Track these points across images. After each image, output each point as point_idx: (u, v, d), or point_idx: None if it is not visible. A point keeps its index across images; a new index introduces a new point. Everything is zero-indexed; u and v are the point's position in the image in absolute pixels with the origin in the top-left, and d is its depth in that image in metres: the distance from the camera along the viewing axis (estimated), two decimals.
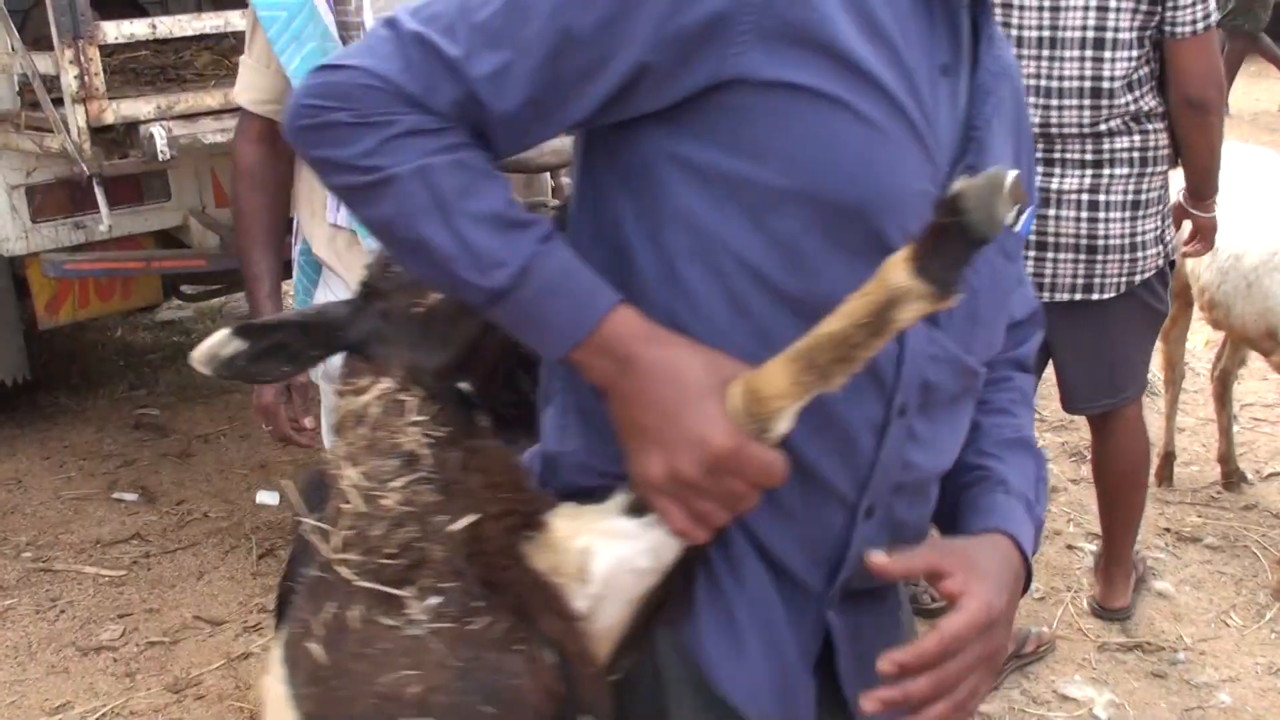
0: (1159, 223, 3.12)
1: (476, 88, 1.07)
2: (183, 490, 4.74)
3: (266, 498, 4.64)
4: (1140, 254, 3.08)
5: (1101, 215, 3.03)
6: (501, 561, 1.13)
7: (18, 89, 4.16)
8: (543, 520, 1.16)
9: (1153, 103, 3.02)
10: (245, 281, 2.58)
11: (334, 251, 2.57)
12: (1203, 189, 3.19)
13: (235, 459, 5.02)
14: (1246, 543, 4.05)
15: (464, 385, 1.25)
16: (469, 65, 1.06)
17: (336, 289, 2.61)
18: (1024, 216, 1.23)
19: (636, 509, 1.12)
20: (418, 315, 1.23)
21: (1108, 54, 2.92)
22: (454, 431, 1.19)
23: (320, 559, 1.18)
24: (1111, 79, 2.93)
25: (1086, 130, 2.98)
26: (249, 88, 2.51)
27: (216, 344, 1.23)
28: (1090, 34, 2.93)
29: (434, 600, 1.12)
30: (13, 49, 3.87)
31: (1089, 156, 3.00)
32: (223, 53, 4.52)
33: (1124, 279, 3.07)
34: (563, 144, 2.66)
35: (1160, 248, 3.14)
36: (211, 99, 3.74)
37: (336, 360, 2.59)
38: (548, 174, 2.83)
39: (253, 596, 3.96)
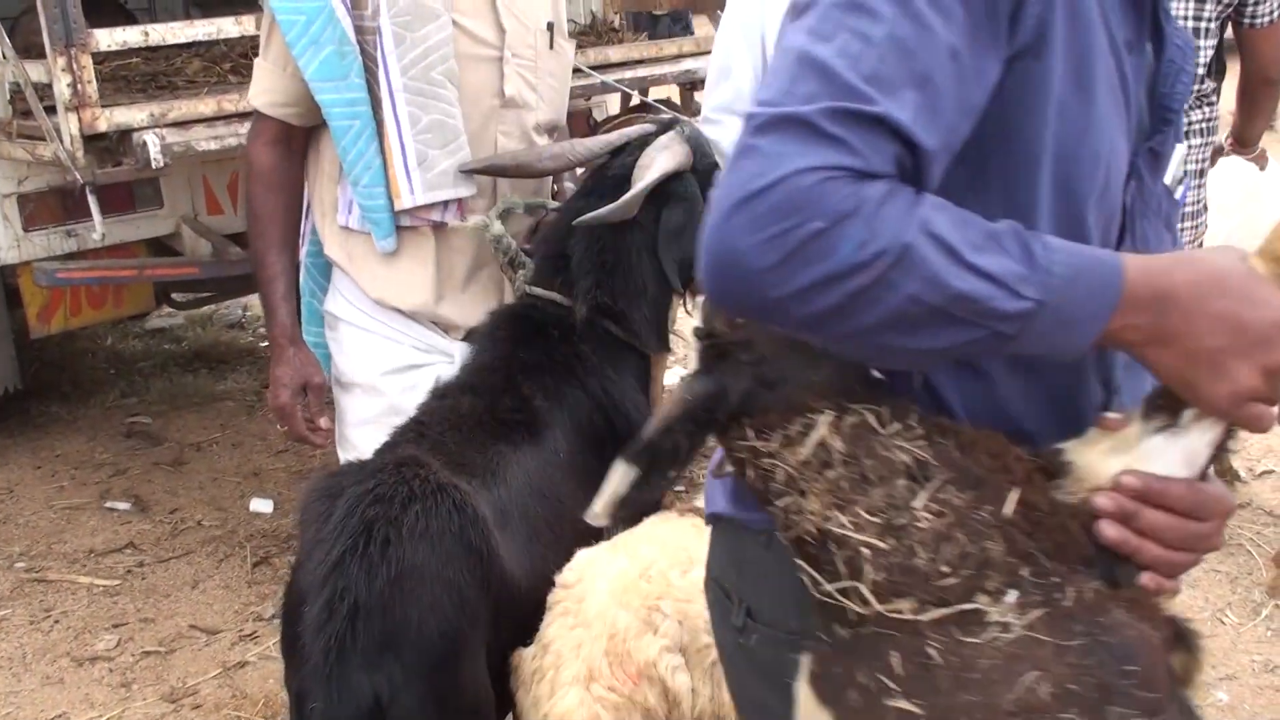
0: (1206, 191, 3.73)
1: (910, 133, 1.00)
2: (176, 499, 4.72)
3: (260, 505, 4.62)
4: (1202, 219, 3.56)
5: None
6: (1058, 521, 1.08)
7: (9, 97, 4.13)
8: (1064, 464, 1.12)
9: (1211, 83, 3.63)
10: (260, 284, 2.59)
11: (346, 254, 2.59)
12: (1252, 141, 3.96)
13: (228, 467, 4.99)
14: (1240, 541, 4.07)
15: (877, 374, 1.15)
16: (895, 117, 1.00)
17: (349, 292, 2.62)
18: (1181, 186, 1.26)
19: (1161, 424, 1.09)
20: (788, 339, 1.12)
21: (1198, 42, 3.48)
22: (923, 423, 1.11)
23: (845, 622, 1.08)
24: (1199, 65, 3.48)
25: None
26: (266, 90, 2.52)
27: (618, 482, 1.15)
28: (1189, 24, 3.49)
29: (1011, 595, 1.05)
30: (4, 56, 3.85)
31: None
32: (213, 59, 4.50)
33: (1192, 246, 3.42)
34: (562, 150, 2.67)
35: (1205, 215, 3.74)
36: (204, 106, 3.72)
37: (344, 363, 2.58)
38: (549, 178, 2.84)
39: (248, 605, 3.94)
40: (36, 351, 5.54)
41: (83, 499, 4.73)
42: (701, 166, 2.68)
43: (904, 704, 1.02)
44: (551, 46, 2.70)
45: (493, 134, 2.61)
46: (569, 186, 2.90)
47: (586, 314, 2.47)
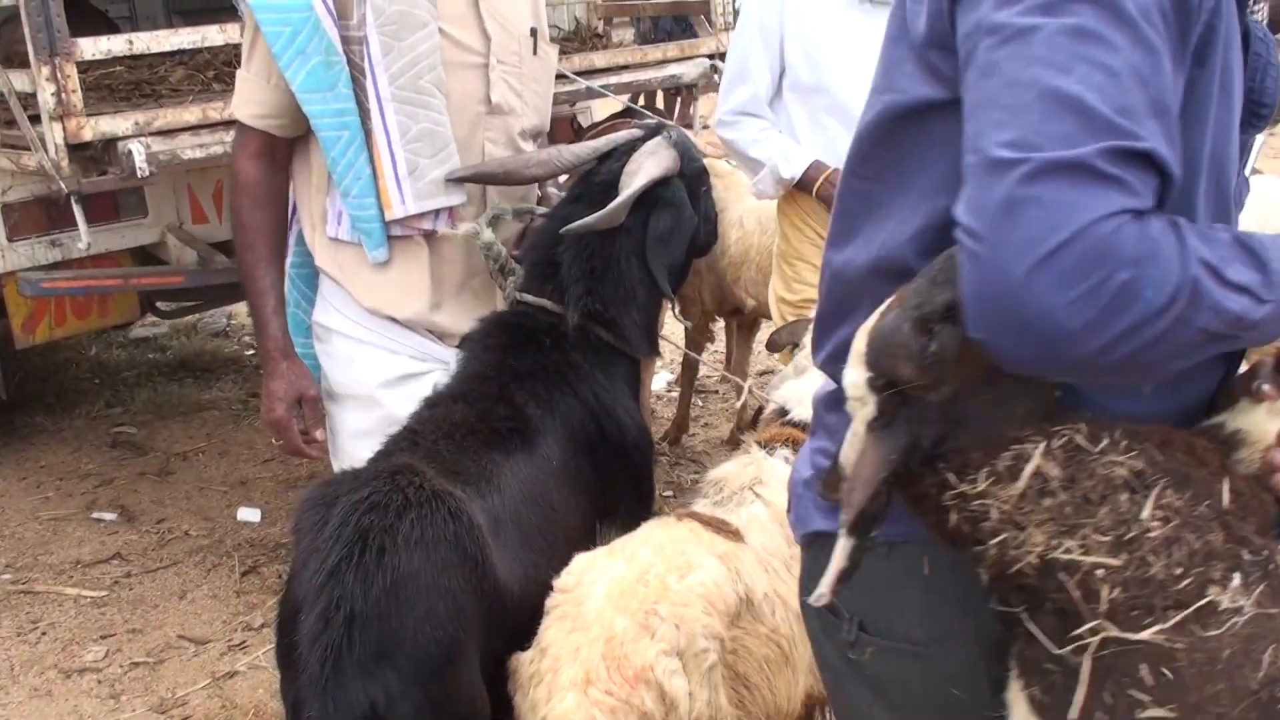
0: None
1: (1165, 163, 1.02)
2: (162, 509, 4.70)
3: (247, 515, 4.60)
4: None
5: None
6: (1259, 497, 1.13)
7: None
8: (1234, 437, 1.17)
9: None
10: (250, 298, 2.57)
11: (337, 264, 2.58)
12: None
13: (215, 476, 4.97)
14: None
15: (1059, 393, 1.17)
16: (1160, 152, 1.01)
17: (337, 301, 2.60)
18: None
19: None
20: (981, 372, 1.09)
21: None
22: (1123, 433, 1.12)
23: (1080, 649, 1.10)
24: None
25: None
26: (249, 101, 2.50)
27: (842, 558, 1.13)
28: None
29: (1236, 579, 1.08)
30: None
31: None
32: (197, 68, 4.49)
33: None
34: (550, 156, 2.68)
35: None
36: (189, 114, 3.70)
37: (337, 375, 2.56)
38: (535, 184, 2.84)
39: (236, 615, 3.92)
40: (19, 362, 5.51)
41: (69, 510, 4.71)
42: (688, 171, 2.69)
43: (1158, 712, 1.05)
44: (535, 52, 2.70)
45: (480, 141, 2.60)
46: (553, 192, 2.89)
47: (579, 321, 2.47)
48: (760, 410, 2.81)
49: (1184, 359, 1.05)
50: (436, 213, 2.54)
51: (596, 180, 2.62)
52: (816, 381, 2.51)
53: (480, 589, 1.93)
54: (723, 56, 5.01)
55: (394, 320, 2.58)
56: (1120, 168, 0.98)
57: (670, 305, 2.85)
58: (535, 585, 2.08)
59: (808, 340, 2.65)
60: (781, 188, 3.36)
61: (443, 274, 2.60)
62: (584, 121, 5.48)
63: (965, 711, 1.26)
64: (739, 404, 5.15)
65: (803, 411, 2.49)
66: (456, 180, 2.55)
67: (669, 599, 1.90)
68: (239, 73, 2.52)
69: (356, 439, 2.55)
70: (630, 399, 2.60)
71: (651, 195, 2.54)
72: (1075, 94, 0.99)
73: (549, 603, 1.97)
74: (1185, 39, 1.07)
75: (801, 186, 3.30)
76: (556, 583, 1.99)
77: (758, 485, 2.30)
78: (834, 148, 3.21)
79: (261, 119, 2.48)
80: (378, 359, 2.58)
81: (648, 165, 2.54)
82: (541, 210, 2.79)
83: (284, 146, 2.55)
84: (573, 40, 5.33)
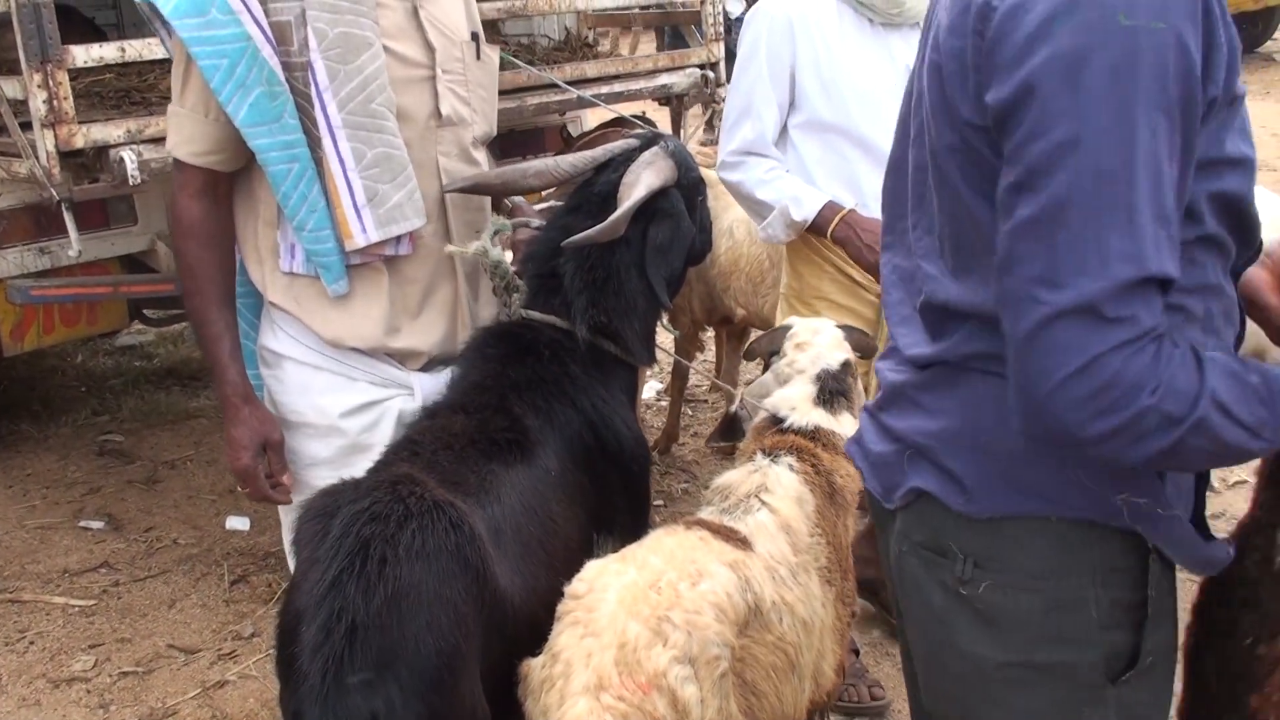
0: None
1: (1168, 274, 1.25)
2: (151, 517, 4.68)
3: (236, 523, 4.58)
4: None
5: None
6: None
7: None
8: None
9: None
10: (204, 342, 2.45)
11: (293, 299, 2.45)
12: None
13: (203, 484, 4.95)
14: None
15: None
16: (1165, 271, 1.24)
17: (291, 329, 2.49)
18: None
19: None
20: None
21: None
22: None
23: None
24: None
25: None
26: (188, 139, 2.35)
27: None
28: None
29: None
30: None
31: None
32: None
33: None
34: (547, 166, 2.67)
35: None
36: None
37: (291, 403, 2.50)
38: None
39: (226, 624, 3.90)
40: (5, 369, 5.47)
41: (56, 518, 4.68)
42: (685, 181, 2.69)
43: None
44: (479, 57, 2.64)
45: (433, 156, 2.52)
46: (519, 202, 2.85)
47: (586, 333, 2.46)
48: (731, 418, 2.81)
49: (1185, 464, 1.38)
50: (398, 238, 2.44)
51: (594, 190, 2.62)
52: (805, 388, 2.55)
53: (481, 600, 1.92)
54: (713, 66, 5.04)
55: (354, 348, 2.49)
56: (1127, 305, 1.22)
57: (666, 314, 2.85)
58: (535, 596, 2.07)
59: (789, 348, 2.68)
60: (793, 231, 3.14)
61: (403, 297, 2.51)
62: (574, 131, 5.49)
63: (1071, 636, 1.45)
64: (734, 406, 5.15)
65: (798, 418, 2.51)
66: (453, 192, 2.53)
67: (681, 606, 1.90)
68: (171, 108, 2.39)
69: (314, 468, 2.46)
70: (628, 409, 2.60)
71: (650, 206, 2.54)
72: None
73: (560, 608, 1.96)
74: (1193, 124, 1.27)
75: (815, 229, 3.08)
76: (568, 589, 1.98)
77: (763, 493, 2.30)
78: (855, 184, 3.06)
79: (203, 156, 2.36)
80: (336, 387, 2.48)
81: (646, 176, 2.54)
82: (536, 223, 2.79)
83: (226, 181, 2.43)
84: (563, 50, 5.34)
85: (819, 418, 2.52)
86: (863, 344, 2.81)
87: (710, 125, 5.28)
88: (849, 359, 2.65)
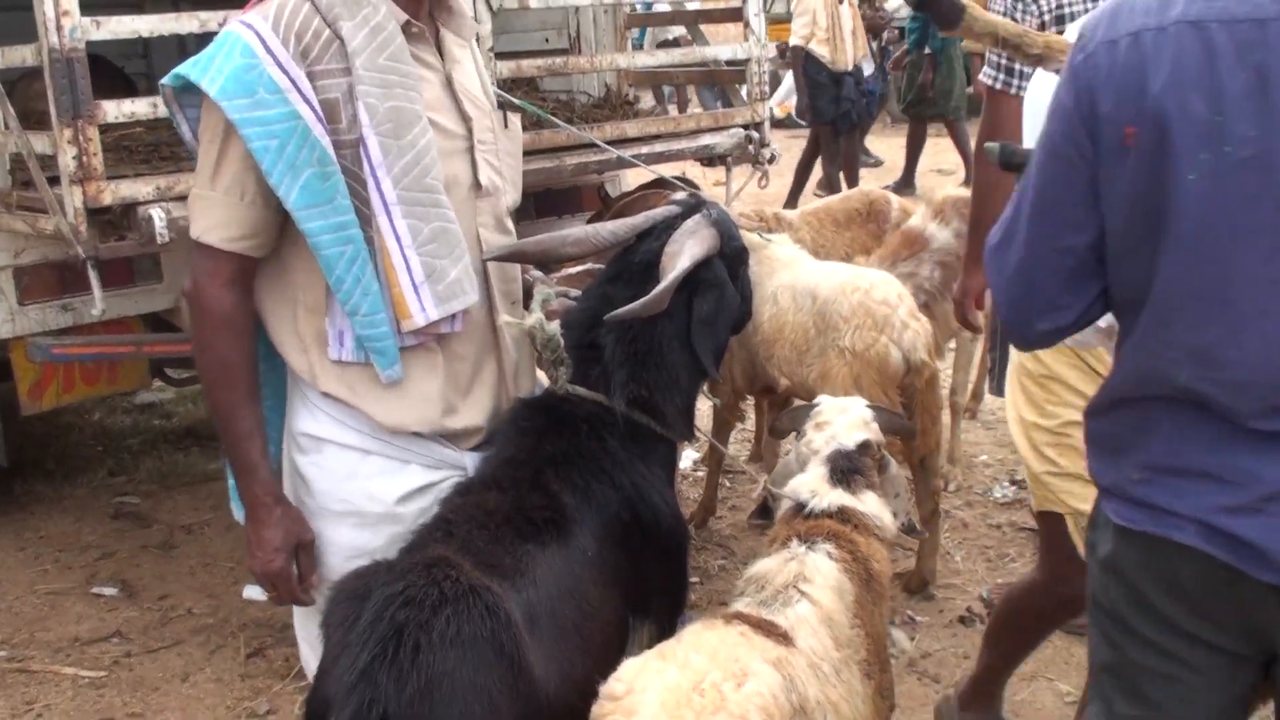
0: None
1: None
2: (165, 584, 4.70)
3: (254, 593, 4.52)
4: None
5: None
6: None
7: (9, 167, 4.19)
8: None
9: None
10: (231, 441, 2.40)
11: (348, 388, 2.44)
12: None
13: (220, 551, 4.98)
14: None
15: None
16: None
17: (336, 413, 2.46)
18: None
19: None
20: None
21: None
22: None
23: None
24: None
25: None
26: (221, 224, 2.32)
27: None
28: None
29: None
30: (6, 126, 3.90)
31: None
32: None
33: None
34: (587, 234, 2.71)
35: None
36: None
37: (334, 490, 2.47)
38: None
39: (241, 700, 3.91)
40: (21, 426, 5.54)
41: (68, 583, 4.71)
42: (728, 250, 2.72)
43: None
44: (506, 125, 2.69)
45: (473, 228, 2.54)
46: (537, 275, 2.88)
47: (624, 408, 2.49)
48: (764, 502, 2.83)
49: None
50: (453, 315, 2.45)
51: (635, 260, 2.65)
52: (817, 470, 2.58)
53: (516, 689, 1.93)
54: (758, 126, 5.10)
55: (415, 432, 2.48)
56: None
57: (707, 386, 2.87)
58: (570, 684, 2.08)
59: (809, 427, 2.70)
60: (1106, 336, 3.07)
61: (455, 375, 2.52)
62: (612, 191, 5.56)
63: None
64: (755, 494, 5.17)
65: (819, 502, 2.53)
66: (492, 260, 2.56)
67: (727, 709, 1.90)
68: (196, 191, 2.36)
69: (355, 559, 2.40)
70: (667, 486, 2.61)
71: (693, 276, 2.57)
72: None
73: (597, 710, 1.96)
74: None
75: None
76: (604, 689, 1.98)
77: (802, 583, 2.30)
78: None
79: (238, 241, 2.33)
80: (389, 471, 2.46)
81: (690, 246, 2.57)
82: (575, 293, 2.82)
83: (254, 268, 2.41)
84: (602, 108, 5.42)
85: (841, 498, 2.55)
86: (896, 426, 2.82)
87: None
88: (868, 440, 2.67)
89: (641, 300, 2.42)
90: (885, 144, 14.06)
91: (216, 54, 2.26)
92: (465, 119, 2.50)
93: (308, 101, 2.27)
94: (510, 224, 2.68)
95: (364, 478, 2.46)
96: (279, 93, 2.24)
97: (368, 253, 2.33)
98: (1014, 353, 3.31)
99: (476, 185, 2.53)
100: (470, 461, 2.53)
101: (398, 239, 2.33)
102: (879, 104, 13.09)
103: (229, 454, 2.44)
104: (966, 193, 4.87)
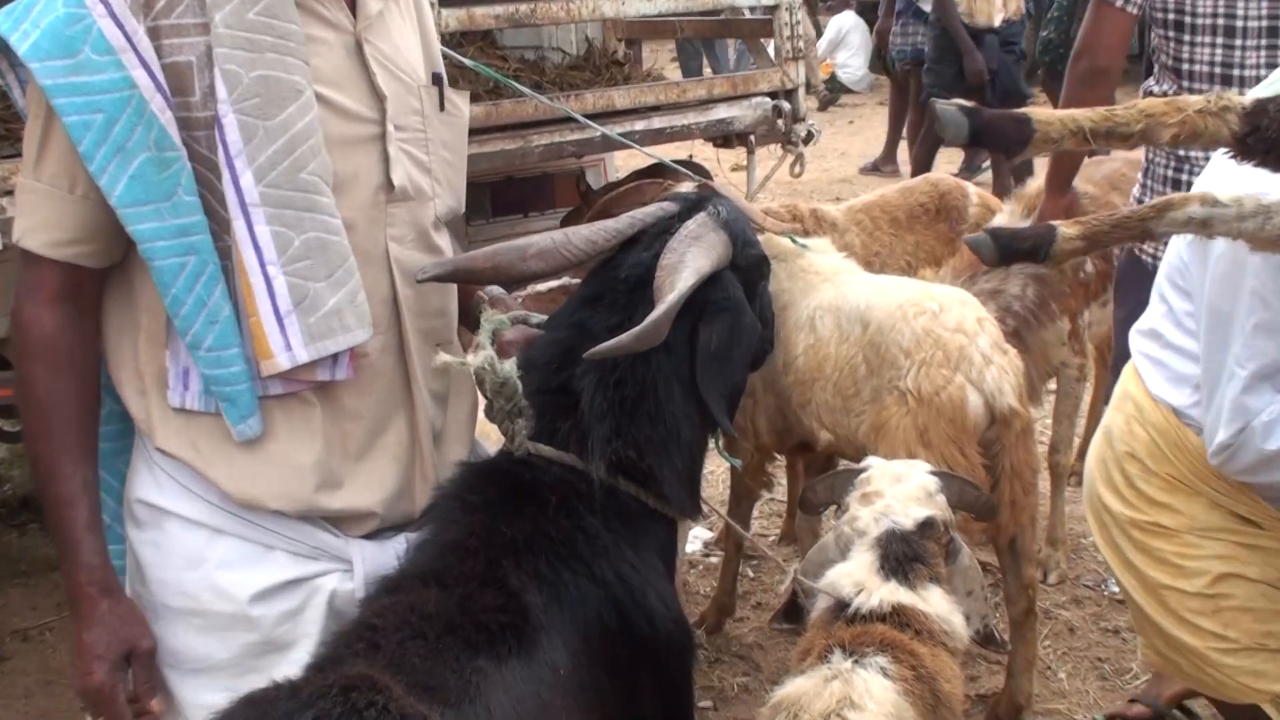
0: None
1: None
2: None
3: None
4: None
5: None
6: None
7: None
8: None
9: None
10: (50, 504, 2.37)
11: (190, 445, 2.43)
12: None
13: (66, 665, 4.97)
14: None
15: None
16: None
17: (184, 478, 2.47)
18: None
19: None
20: None
21: None
22: None
23: None
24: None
25: None
26: (44, 224, 2.32)
27: None
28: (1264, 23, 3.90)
29: None
30: None
31: None
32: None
33: None
34: (554, 243, 2.72)
35: None
36: None
37: (173, 579, 2.47)
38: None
39: None
40: None
41: None
42: (743, 260, 2.74)
43: None
44: (442, 107, 2.68)
45: (381, 243, 2.54)
46: (498, 293, 2.89)
47: (605, 474, 2.51)
48: (795, 595, 2.85)
49: None
50: (335, 357, 2.44)
51: (620, 275, 2.66)
52: (863, 556, 2.59)
53: None
54: (789, 94, 5.15)
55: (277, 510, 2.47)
56: None
57: (714, 439, 2.89)
58: None
59: (853, 499, 2.72)
60: None
61: (341, 438, 2.51)
62: (594, 181, 5.60)
63: None
64: (784, 587, 5.16)
65: (867, 599, 2.54)
66: (426, 280, 2.56)
67: None
68: (21, 180, 2.36)
69: (204, 676, 2.40)
70: (664, 579, 2.63)
71: (698, 297, 2.59)
72: None
73: None
74: None
75: None
76: None
77: (848, 710, 2.31)
78: None
79: (64, 247, 2.33)
80: (245, 559, 2.46)
81: (692, 256, 2.58)
82: (538, 319, 2.84)
83: (94, 282, 2.41)
84: (583, 69, 5.47)
85: (896, 594, 2.56)
86: (971, 499, 2.84)
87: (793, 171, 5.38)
88: (933, 517, 2.68)
89: (631, 331, 2.43)
90: None
91: (35, 0, 2.28)
92: (378, 97, 2.51)
93: (146, 66, 2.27)
94: (441, 239, 2.70)
95: (212, 565, 2.46)
96: (110, 53, 2.25)
97: (218, 268, 2.34)
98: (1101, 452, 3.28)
99: (388, 185, 2.54)
100: (359, 554, 2.54)
101: (258, 252, 2.33)
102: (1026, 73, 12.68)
103: (50, 525, 2.43)
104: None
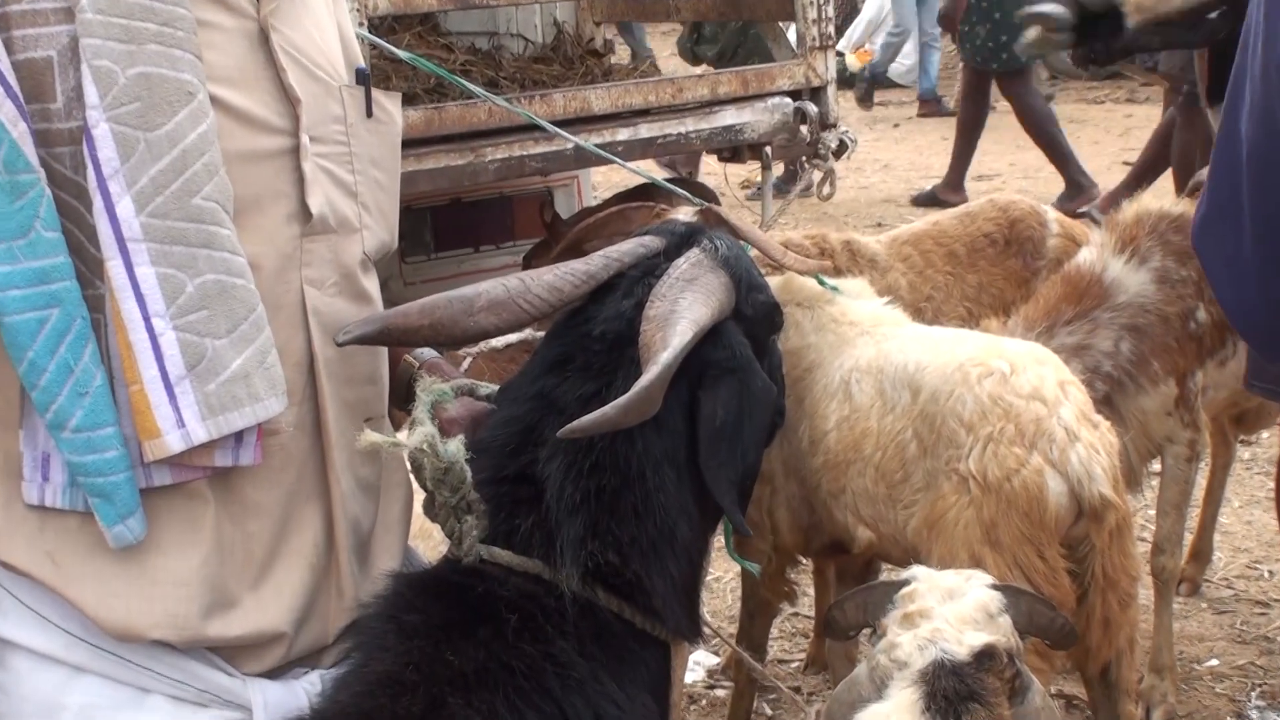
0: None
1: None
2: None
3: None
4: None
5: None
6: None
7: None
8: None
9: None
10: None
11: (45, 554, 2.43)
12: None
13: None
14: None
15: None
16: None
17: (36, 602, 2.46)
18: None
19: None
20: None
21: None
22: None
23: None
24: None
25: None
26: None
27: None
28: None
29: None
30: None
31: None
32: None
33: None
34: (510, 293, 2.73)
35: None
36: None
37: None
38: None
39: None
40: None
41: None
42: (750, 310, 2.78)
43: None
44: (370, 113, 2.70)
45: (295, 287, 2.56)
46: (428, 356, 2.87)
47: (579, 586, 2.52)
48: None
49: None
50: (239, 435, 2.43)
51: (595, 331, 2.69)
52: (903, 696, 2.60)
53: None
54: (815, 94, 5.18)
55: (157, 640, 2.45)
56: None
57: (723, 537, 2.91)
58: None
59: (893, 620, 2.73)
60: None
61: (243, 541, 2.52)
62: (566, 207, 5.62)
63: None
64: None
65: None
66: (348, 342, 2.56)
67: None
68: None
69: None
70: (656, 718, 2.64)
71: (696, 356, 2.61)
72: None
73: None
74: None
75: None
76: None
77: None
78: None
79: None
80: (114, 703, 2.46)
81: (687, 305, 2.60)
82: (486, 390, 2.84)
83: None
84: (551, 61, 5.50)
85: None
86: (1044, 622, 2.84)
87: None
88: (994, 645, 2.68)
89: (616, 402, 2.44)
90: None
91: None
92: (289, 100, 2.53)
93: None
94: (370, 282, 2.71)
95: (71, 715, 2.45)
96: None
97: (87, 322, 2.34)
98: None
99: (303, 213, 2.55)
100: (260, 697, 2.53)
101: (140, 301, 2.32)
102: None
103: None
104: (1173, 205, 4.94)
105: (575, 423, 2.45)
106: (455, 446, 2.57)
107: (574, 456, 2.56)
